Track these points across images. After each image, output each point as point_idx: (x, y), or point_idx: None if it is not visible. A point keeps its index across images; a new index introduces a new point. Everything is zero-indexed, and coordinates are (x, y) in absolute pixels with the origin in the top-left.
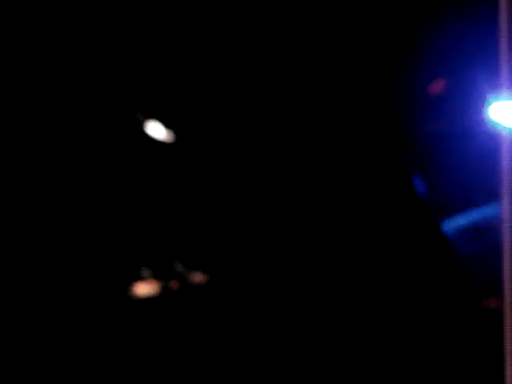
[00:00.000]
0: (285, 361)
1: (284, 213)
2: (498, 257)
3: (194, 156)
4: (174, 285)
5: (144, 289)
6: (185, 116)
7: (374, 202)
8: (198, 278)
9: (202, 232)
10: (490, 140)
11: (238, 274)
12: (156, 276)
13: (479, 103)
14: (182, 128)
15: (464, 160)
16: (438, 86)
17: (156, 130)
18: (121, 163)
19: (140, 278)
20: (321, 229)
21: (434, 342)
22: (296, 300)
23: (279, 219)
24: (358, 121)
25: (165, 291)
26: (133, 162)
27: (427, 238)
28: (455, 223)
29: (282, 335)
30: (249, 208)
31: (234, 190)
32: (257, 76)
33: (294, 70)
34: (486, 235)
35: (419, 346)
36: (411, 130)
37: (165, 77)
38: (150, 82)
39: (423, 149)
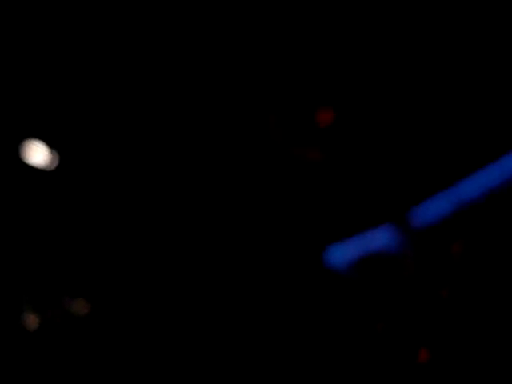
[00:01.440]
0: None
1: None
2: (387, 282)
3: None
4: (56, 316)
5: (28, 321)
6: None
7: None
8: (81, 307)
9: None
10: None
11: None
12: (38, 308)
13: None
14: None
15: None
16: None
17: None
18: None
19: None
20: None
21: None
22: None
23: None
24: None
25: (47, 323)
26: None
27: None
28: (344, 251)
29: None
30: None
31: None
32: None
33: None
34: (375, 262)
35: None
36: None
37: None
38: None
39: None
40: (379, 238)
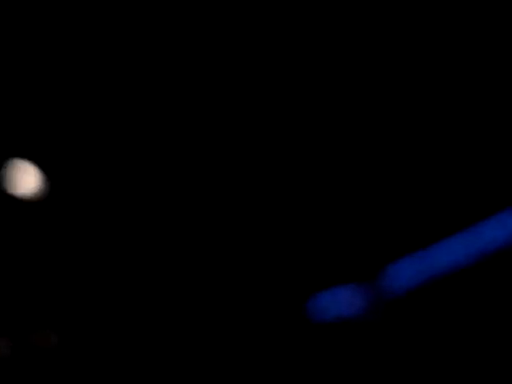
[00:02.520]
0: None
1: None
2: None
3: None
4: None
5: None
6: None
7: None
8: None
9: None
10: None
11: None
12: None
13: None
14: None
15: None
16: None
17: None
18: None
19: None
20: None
21: None
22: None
23: None
24: None
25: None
26: None
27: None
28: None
29: None
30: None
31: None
32: None
33: None
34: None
35: None
36: None
37: None
38: None
39: None
40: (350, 296)
